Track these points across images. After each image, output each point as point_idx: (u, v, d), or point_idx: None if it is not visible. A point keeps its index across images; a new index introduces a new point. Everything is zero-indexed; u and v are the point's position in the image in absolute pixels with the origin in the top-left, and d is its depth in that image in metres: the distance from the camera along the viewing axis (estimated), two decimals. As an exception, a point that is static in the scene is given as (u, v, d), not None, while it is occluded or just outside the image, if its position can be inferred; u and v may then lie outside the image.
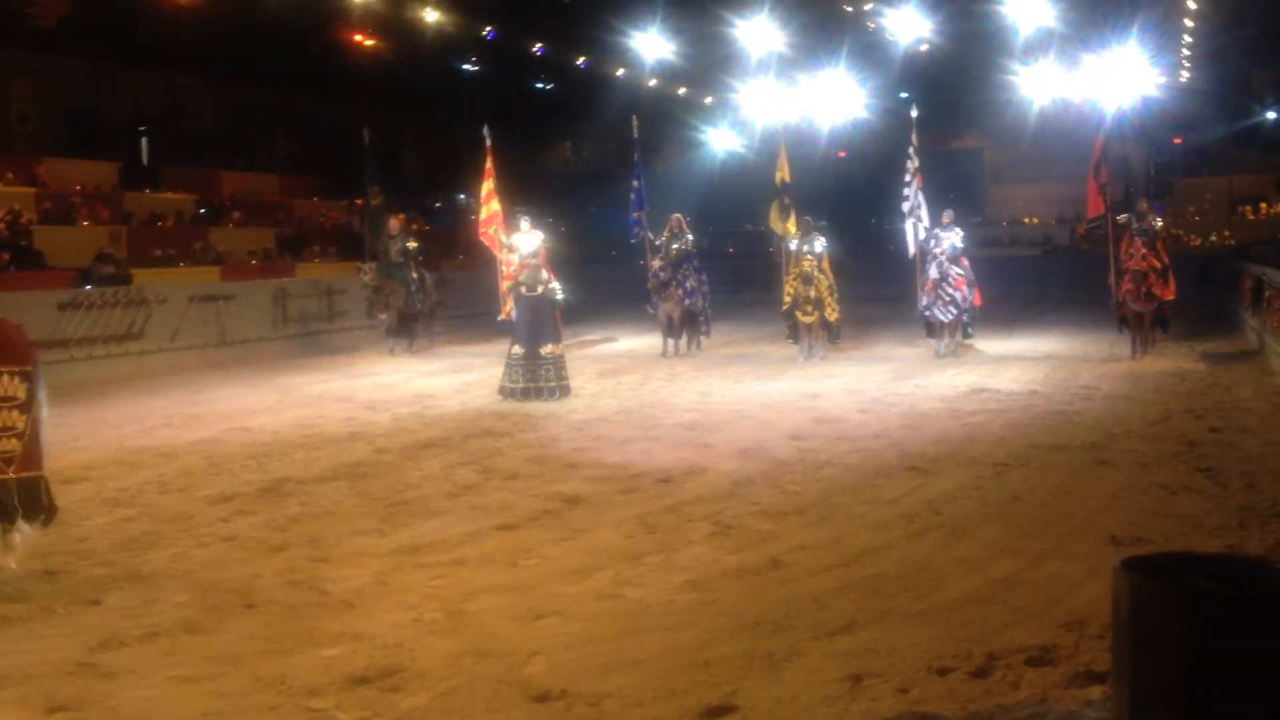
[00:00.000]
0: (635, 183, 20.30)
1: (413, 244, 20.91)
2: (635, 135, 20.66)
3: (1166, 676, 2.02)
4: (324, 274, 23.46)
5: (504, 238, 16.62)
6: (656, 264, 18.70)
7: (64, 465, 10.34)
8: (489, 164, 18.36)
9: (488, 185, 18.31)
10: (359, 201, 26.88)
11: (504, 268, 16.67)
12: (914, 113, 19.18)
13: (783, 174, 18.45)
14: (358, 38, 32.21)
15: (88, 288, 18.17)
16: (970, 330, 18.28)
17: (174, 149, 30.09)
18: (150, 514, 8.48)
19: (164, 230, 24.81)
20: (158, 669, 5.40)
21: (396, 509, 8.54)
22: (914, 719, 4.65)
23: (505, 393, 13.98)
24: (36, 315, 16.73)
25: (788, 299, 17.73)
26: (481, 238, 18.56)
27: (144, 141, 30.97)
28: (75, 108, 28.43)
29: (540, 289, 14.29)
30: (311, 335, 21.29)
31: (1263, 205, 41.73)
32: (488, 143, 18.35)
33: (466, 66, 36.07)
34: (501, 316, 16.16)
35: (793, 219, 17.89)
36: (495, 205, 18.21)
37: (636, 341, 21.10)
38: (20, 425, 6.63)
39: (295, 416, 13.12)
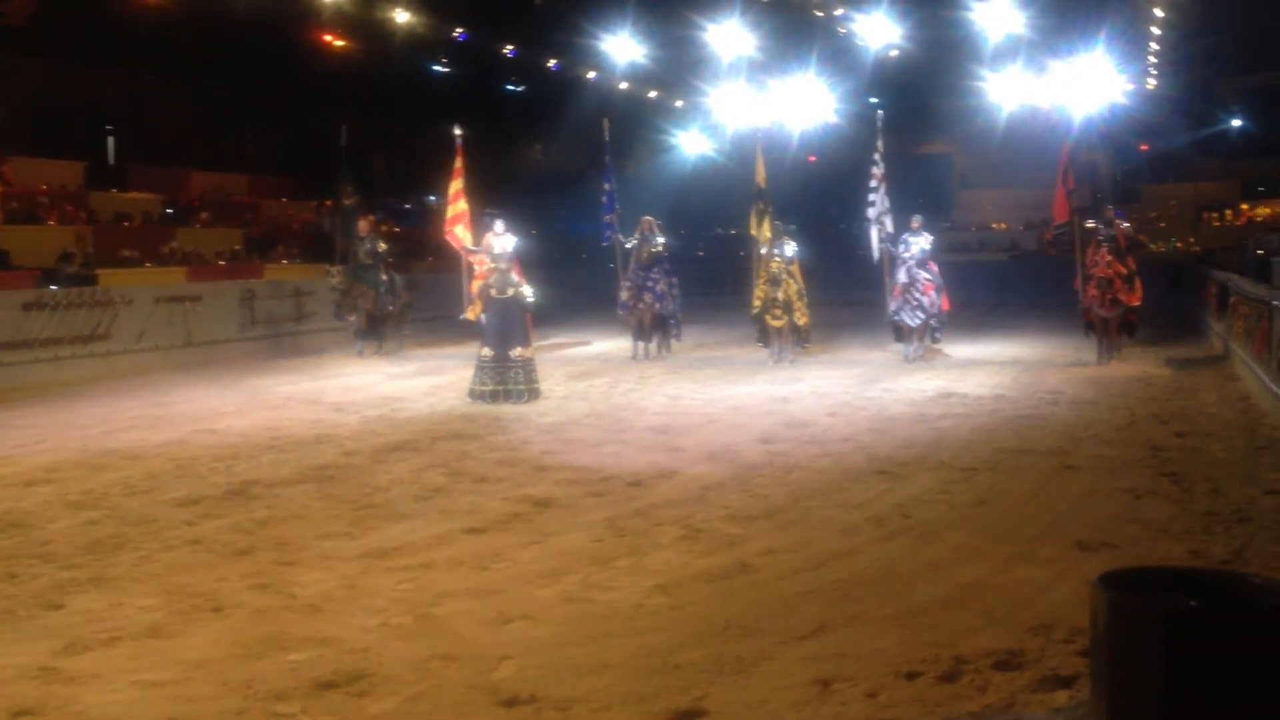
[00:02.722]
0: (607, 185, 20.32)
1: (382, 246, 20.83)
2: (607, 138, 20.67)
3: (1144, 692, 2.04)
4: (292, 275, 23.33)
5: (469, 244, 16.55)
6: (626, 287, 18.68)
7: (28, 467, 10.29)
8: (459, 163, 18.32)
9: (456, 184, 18.25)
10: (328, 202, 26.75)
11: (477, 267, 16.60)
12: (879, 118, 19.27)
13: (760, 179, 18.49)
14: (327, 38, 32.02)
15: (53, 288, 18.00)
16: (938, 335, 18.37)
17: (141, 148, 29.84)
18: (115, 517, 8.40)
19: (130, 230, 24.58)
20: (122, 673, 5.36)
21: (364, 512, 8.50)
22: (882, 723, 4.66)
23: (475, 395, 13.97)
24: (1, 316, 16.62)
25: (757, 303, 17.78)
26: (447, 237, 18.51)
27: (110, 141, 30.70)
28: (41, 107, 28.16)
29: (510, 292, 14.28)
30: (279, 337, 21.17)
31: (1227, 212, 42.13)
32: (458, 142, 18.31)
33: (437, 68, 35.97)
34: (470, 317, 16.08)
35: (767, 224, 17.93)
36: (462, 205, 18.15)
37: (607, 345, 21.10)
38: None
39: (263, 419, 13.04)
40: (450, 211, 18.36)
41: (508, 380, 13.94)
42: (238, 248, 26.16)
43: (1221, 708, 2.02)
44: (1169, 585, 2.17)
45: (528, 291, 14.49)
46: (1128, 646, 2.09)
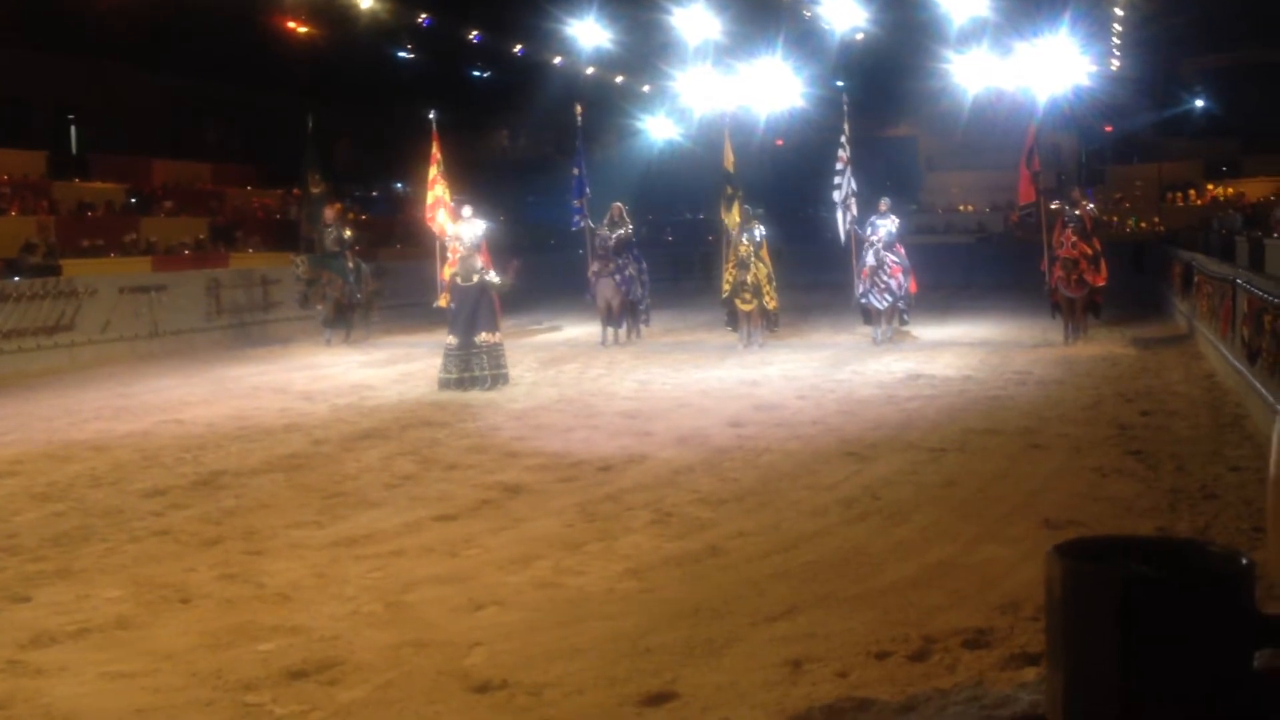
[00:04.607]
0: (576, 170, 20.25)
1: (348, 233, 20.70)
2: (579, 123, 20.60)
3: (1099, 660, 2.04)
4: (258, 264, 23.17)
5: (449, 228, 16.49)
6: (595, 267, 18.65)
7: (-8, 460, 10.19)
8: (435, 149, 18.21)
9: (433, 170, 18.16)
10: (296, 191, 26.59)
11: (450, 255, 16.54)
12: (845, 102, 19.32)
13: (729, 164, 18.48)
14: (291, 24, 31.78)
15: (15, 279, 17.81)
16: (905, 317, 18.45)
17: (104, 137, 29.57)
18: (81, 508, 8.33)
19: (94, 220, 24.39)
20: (90, 666, 5.32)
21: (334, 500, 8.46)
22: (852, 704, 4.68)
23: (443, 384, 13.93)
24: (-38, 307, 16.45)
25: (727, 287, 17.81)
26: (429, 223, 18.43)
27: (73, 130, 30.41)
28: (2, 96, 27.84)
29: (475, 278, 14.23)
30: (246, 326, 21.03)
31: (1191, 192, 42.44)
32: (433, 128, 18.21)
33: (402, 54, 35.77)
34: (442, 304, 16.02)
35: (736, 208, 17.93)
36: (440, 191, 18.05)
37: (576, 330, 21.08)
38: None
39: (230, 408, 12.96)
40: (430, 197, 18.28)
41: (473, 366, 13.90)
42: (202, 236, 25.97)
43: (1176, 675, 2.03)
44: (1126, 554, 2.17)
45: (494, 276, 14.46)
46: (1083, 614, 2.10)
